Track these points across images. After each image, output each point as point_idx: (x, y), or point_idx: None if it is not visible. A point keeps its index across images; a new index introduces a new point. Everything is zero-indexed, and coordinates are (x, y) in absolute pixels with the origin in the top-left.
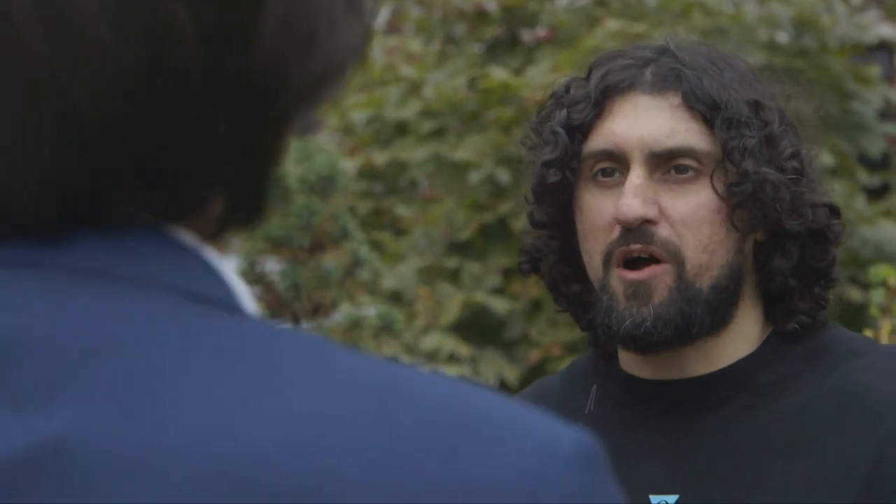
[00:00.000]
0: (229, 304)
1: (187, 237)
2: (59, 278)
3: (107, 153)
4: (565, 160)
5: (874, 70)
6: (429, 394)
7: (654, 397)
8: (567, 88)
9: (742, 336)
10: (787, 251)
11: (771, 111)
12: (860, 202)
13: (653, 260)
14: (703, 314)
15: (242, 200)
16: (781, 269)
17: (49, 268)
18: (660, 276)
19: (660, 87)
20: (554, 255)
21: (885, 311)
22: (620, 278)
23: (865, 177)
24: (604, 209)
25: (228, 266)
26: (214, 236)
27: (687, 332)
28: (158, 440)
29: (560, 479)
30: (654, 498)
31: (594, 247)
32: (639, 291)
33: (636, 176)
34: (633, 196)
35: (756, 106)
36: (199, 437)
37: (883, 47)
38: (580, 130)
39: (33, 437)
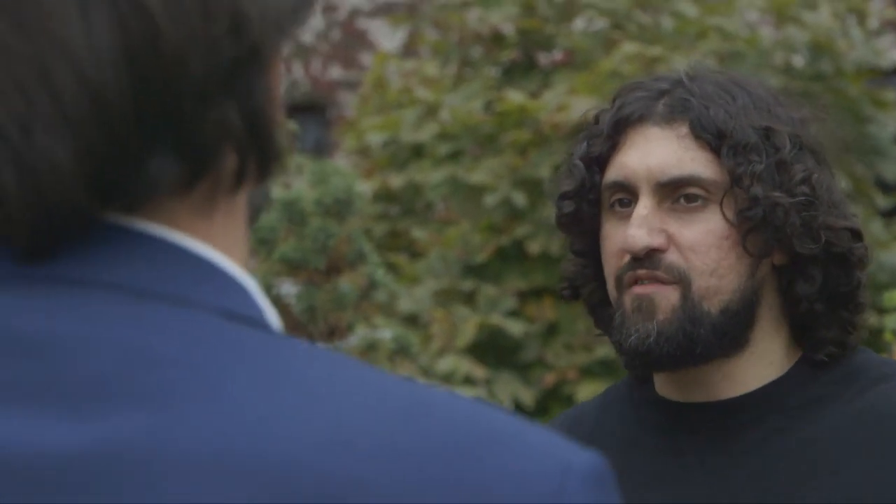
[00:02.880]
0: (259, 321)
1: (210, 252)
2: (98, 294)
3: (113, 125)
4: (582, 192)
5: (890, 94)
6: (452, 412)
7: (684, 420)
8: (597, 119)
9: (766, 359)
10: (808, 276)
11: (782, 136)
12: (877, 226)
13: (659, 281)
14: (709, 335)
15: (251, 148)
16: (806, 293)
17: (87, 284)
18: (664, 294)
19: (669, 118)
20: (591, 282)
21: None
22: (630, 294)
23: (882, 200)
24: (617, 238)
25: (254, 284)
26: (233, 190)
27: (691, 352)
28: (199, 448)
29: (576, 497)
30: None
31: (609, 272)
32: (643, 306)
33: (643, 206)
34: (638, 227)
35: (767, 131)
36: (240, 444)
37: None
38: (598, 163)
39: (90, 438)
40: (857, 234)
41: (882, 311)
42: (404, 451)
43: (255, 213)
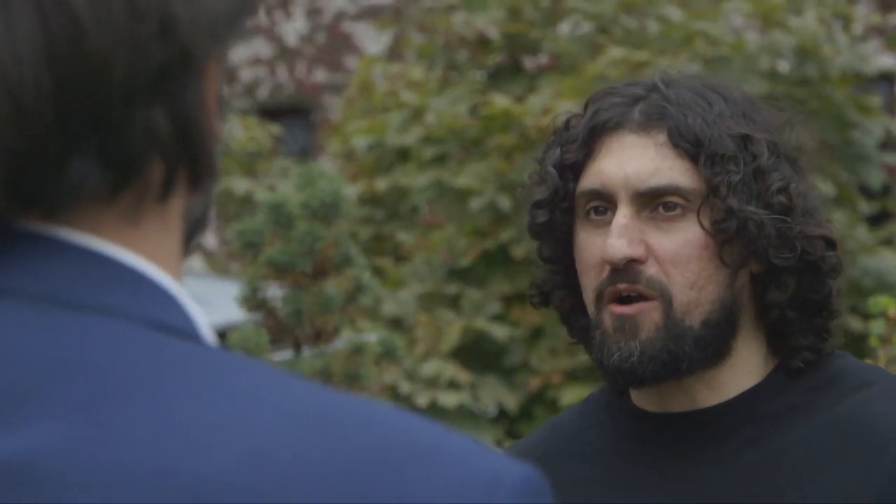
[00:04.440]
0: (188, 332)
1: (139, 261)
2: (14, 303)
3: (33, 132)
4: (555, 201)
5: (875, 99)
6: (379, 425)
7: (662, 430)
8: (567, 125)
9: (744, 368)
10: (781, 283)
11: (760, 144)
12: (861, 232)
13: (641, 298)
14: (693, 351)
15: (181, 156)
16: (777, 301)
17: (2, 292)
18: (647, 313)
19: (646, 125)
20: (562, 289)
21: (884, 341)
22: (611, 313)
23: (865, 206)
24: (594, 248)
25: (185, 294)
26: (161, 198)
27: (675, 369)
28: (119, 459)
29: None
30: None
31: (588, 285)
32: (625, 325)
33: (622, 216)
34: (619, 237)
35: (744, 139)
36: (157, 458)
37: (884, 78)
38: (572, 169)
39: (4, 449)
40: (830, 243)
41: (867, 316)
42: (326, 465)
43: (195, 226)
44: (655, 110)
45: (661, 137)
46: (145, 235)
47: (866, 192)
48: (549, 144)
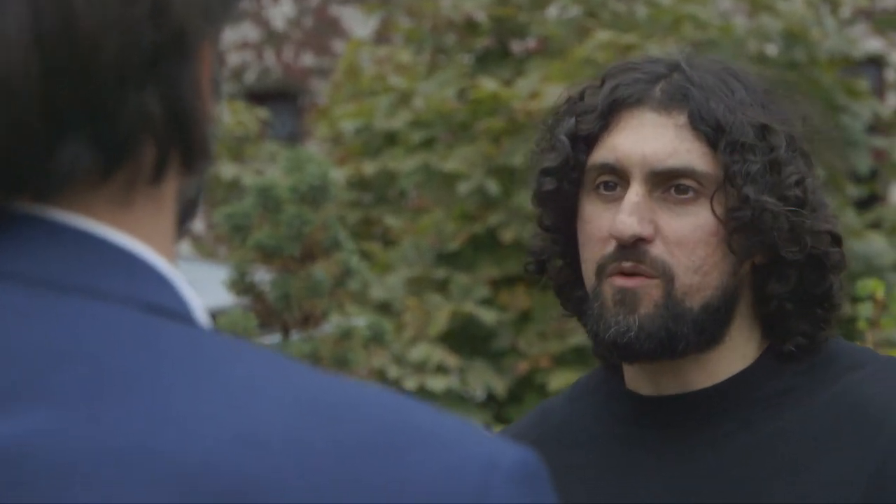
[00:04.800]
0: (183, 314)
1: (133, 243)
2: (6, 286)
3: (24, 116)
4: (565, 170)
5: (863, 83)
6: (374, 410)
7: (654, 413)
8: (581, 95)
9: (738, 352)
10: (783, 276)
11: (779, 136)
12: (850, 216)
13: (643, 275)
14: (690, 333)
15: (173, 139)
16: (777, 293)
17: (4, 276)
18: (647, 288)
19: (667, 104)
20: (559, 259)
21: (872, 324)
22: (611, 285)
23: (853, 190)
24: (602, 222)
25: (179, 276)
26: (154, 181)
27: (671, 348)
28: (114, 445)
29: (501, 494)
30: None
31: (590, 258)
32: (626, 299)
33: (635, 193)
34: (630, 213)
35: (763, 130)
36: (152, 444)
37: (871, 61)
38: (585, 141)
39: None
40: (836, 238)
41: (855, 299)
42: (320, 450)
43: (189, 208)
44: (678, 90)
45: (682, 119)
46: (138, 218)
47: (854, 176)
48: (563, 112)
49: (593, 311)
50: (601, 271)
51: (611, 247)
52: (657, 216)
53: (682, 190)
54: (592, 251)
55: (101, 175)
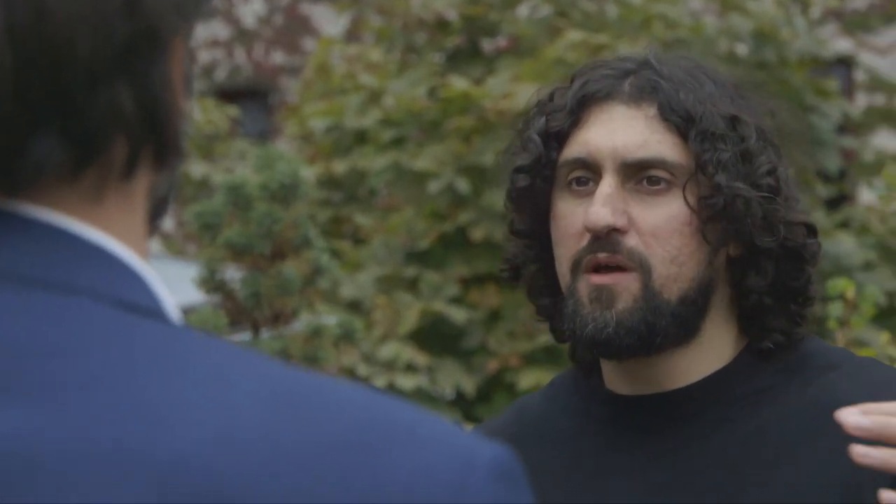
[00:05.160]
0: (155, 311)
1: (104, 239)
2: None
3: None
4: (537, 167)
5: (832, 83)
6: (351, 407)
7: (631, 413)
8: (551, 96)
9: (714, 350)
10: (761, 268)
11: (749, 127)
12: (819, 216)
13: (619, 269)
14: (669, 326)
15: (145, 135)
16: (756, 286)
17: None
18: (625, 284)
19: (637, 98)
20: (533, 264)
21: (842, 323)
22: (587, 282)
23: (823, 190)
24: (575, 217)
25: (151, 272)
26: (126, 177)
27: (650, 343)
28: (87, 443)
29: (478, 493)
30: None
31: (564, 253)
32: (602, 295)
33: (607, 185)
34: (602, 205)
35: (733, 120)
36: (126, 442)
37: (841, 62)
38: (556, 138)
39: None
40: (811, 230)
41: (825, 299)
42: (295, 447)
43: (160, 204)
44: (647, 84)
45: (652, 110)
46: (110, 214)
47: (823, 176)
48: (533, 114)
49: (568, 309)
50: (576, 267)
51: (585, 240)
52: (630, 207)
53: (653, 181)
54: (567, 247)
55: (73, 170)
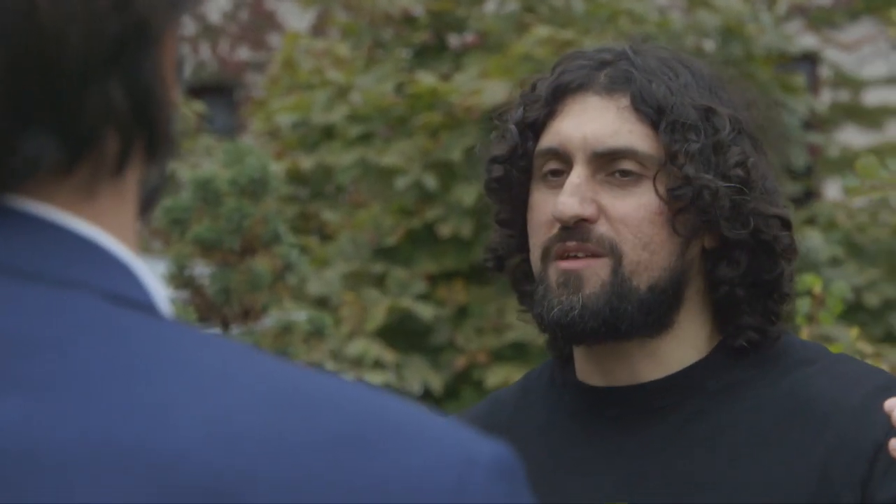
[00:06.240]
0: (146, 304)
1: (97, 233)
2: None
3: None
4: (513, 158)
5: (799, 79)
6: (346, 402)
7: (606, 405)
8: (533, 86)
9: (688, 341)
10: (733, 260)
11: (722, 118)
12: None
13: (591, 256)
14: (635, 312)
15: (137, 129)
16: (727, 277)
17: None
18: (594, 269)
19: (610, 88)
20: (516, 254)
21: (810, 319)
22: (556, 268)
23: (790, 186)
24: (546, 206)
25: (146, 267)
26: (118, 171)
27: (615, 327)
28: (81, 438)
29: (478, 490)
30: None
31: (535, 242)
32: (570, 280)
33: (576, 175)
34: (571, 195)
35: (707, 112)
36: (121, 437)
37: (807, 57)
38: (532, 129)
39: None
40: (786, 223)
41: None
42: (294, 444)
43: (151, 196)
44: (621, 75)
45: (624, 101)
46: (102, 208)
47: (790, 172)
48: (514, 105)
49: (538, 295)
50: (546, 254)
51: (555, 229)
52: (600, 197)
53: (625, 173)
54: (538, 236)
55: (66, 166)
